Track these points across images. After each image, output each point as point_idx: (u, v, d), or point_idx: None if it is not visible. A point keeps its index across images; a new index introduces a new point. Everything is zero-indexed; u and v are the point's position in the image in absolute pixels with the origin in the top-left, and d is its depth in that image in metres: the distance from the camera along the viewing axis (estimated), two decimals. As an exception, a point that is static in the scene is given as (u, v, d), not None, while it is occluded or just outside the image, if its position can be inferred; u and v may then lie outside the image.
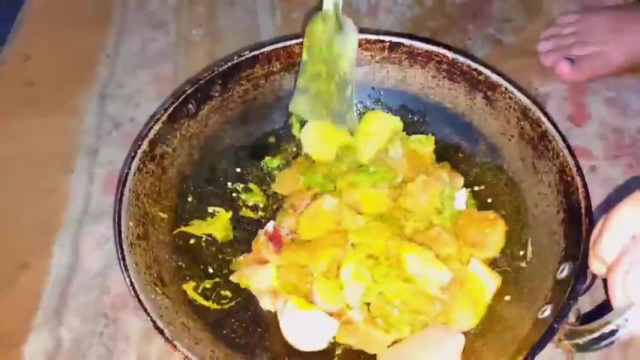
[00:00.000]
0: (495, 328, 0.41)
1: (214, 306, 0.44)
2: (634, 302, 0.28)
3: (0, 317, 0.48)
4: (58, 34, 0.70)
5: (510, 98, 0.50)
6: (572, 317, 0.35)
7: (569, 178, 0.43)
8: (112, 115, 0.62)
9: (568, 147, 0.44)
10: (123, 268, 0.38)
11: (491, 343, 0.39)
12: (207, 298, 0.44)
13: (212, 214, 0.50)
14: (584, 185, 0.42)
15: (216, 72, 0.52)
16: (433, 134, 0.54)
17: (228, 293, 0.46)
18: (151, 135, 0.47)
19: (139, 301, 0.37)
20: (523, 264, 0.44)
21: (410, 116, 0.56)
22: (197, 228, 0.48)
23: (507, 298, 0.43)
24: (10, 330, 0.47)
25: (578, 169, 0.43)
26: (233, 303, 0.46)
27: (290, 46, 0.54)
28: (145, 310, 0.36)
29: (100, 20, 0.71)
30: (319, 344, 0.43)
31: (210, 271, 0.47)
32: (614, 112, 0.60)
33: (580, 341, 0.31)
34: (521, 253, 0.45)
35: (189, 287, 0.44)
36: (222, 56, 0.66)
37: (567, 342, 0.32)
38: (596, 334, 0.30)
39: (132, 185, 0.44)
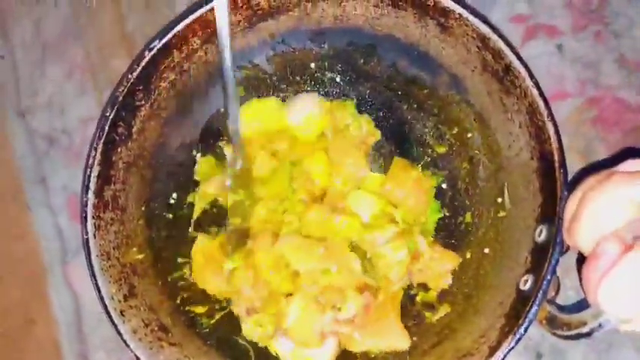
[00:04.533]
0: (479, 291, 0.43)
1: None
2: (604, 311, 0.29)
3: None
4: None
5: (466, 25, 0.43)
6: (552, 291, 0.36)
7: (540, 123, 0.40)
8: (41, 132, 0.56)
9: (536, 85, 0.40)
10: (124, 343, 0.40)
11: (479, 308, 0.42)
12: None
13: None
14: (557, 133, 0.38)
15: (131, 79, 0.45)
16: (388, 67, 0.49)
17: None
18: (92, 184, 0.43)
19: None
20: (502, 213, 0.44)
21: (360, 51, 0.49)
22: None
23: (487, 250, 0.44)
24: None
25: (550, 113, 0.39)
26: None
27: (203, 15, 0.45)
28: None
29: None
30: None
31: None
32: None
33: (558, 332, 0.33)
34: (499, 200, 0.44)
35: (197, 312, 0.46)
36: (131, 23, 0.57)
37: (547, 327, 0.34)
38: (573, 332, 0.31)
39: (97, 250, 0.42)
